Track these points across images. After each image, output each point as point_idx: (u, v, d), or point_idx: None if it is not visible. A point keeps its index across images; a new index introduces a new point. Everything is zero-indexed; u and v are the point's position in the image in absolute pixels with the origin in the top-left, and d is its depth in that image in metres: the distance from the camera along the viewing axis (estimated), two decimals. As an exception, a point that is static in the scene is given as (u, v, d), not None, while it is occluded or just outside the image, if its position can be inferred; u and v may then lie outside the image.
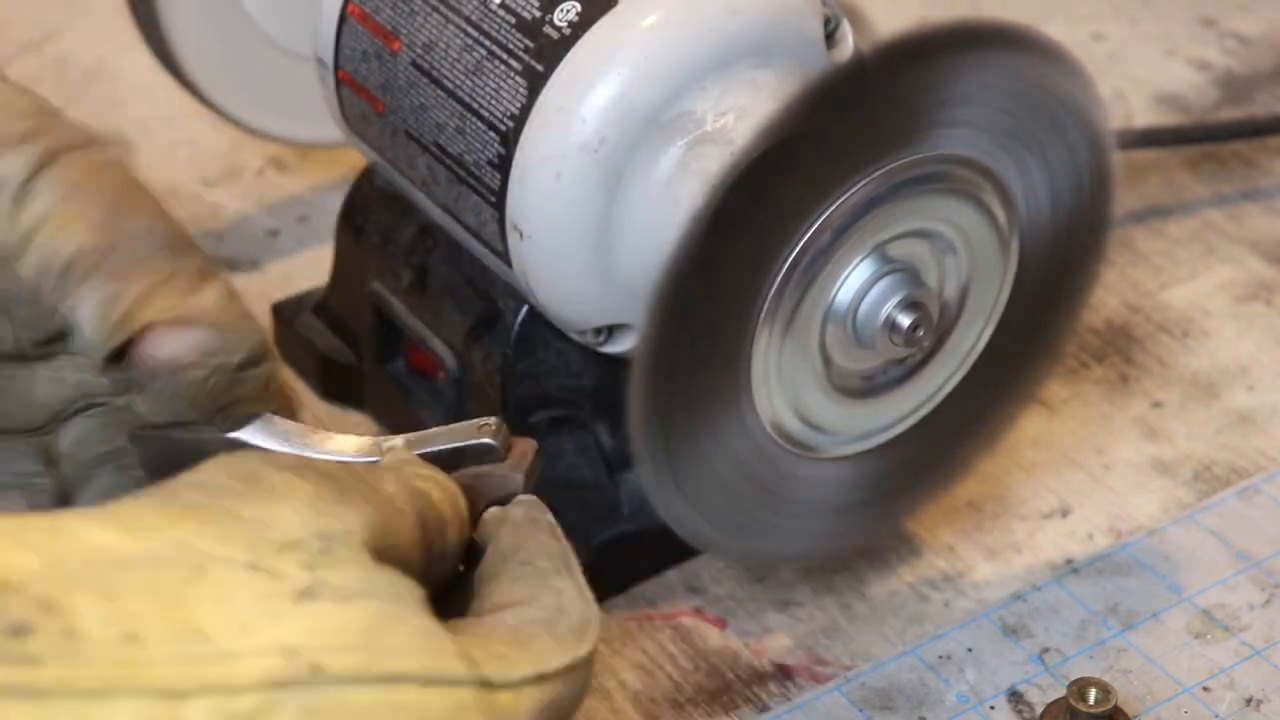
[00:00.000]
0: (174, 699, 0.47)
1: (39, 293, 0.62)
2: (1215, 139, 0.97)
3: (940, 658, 0.74)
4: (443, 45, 0.72)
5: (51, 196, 0.61)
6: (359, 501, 0.54)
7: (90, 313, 0.61)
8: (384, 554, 0.53)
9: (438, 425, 0.64)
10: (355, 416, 0.84)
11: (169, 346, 0.62)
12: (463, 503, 0.58)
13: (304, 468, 0.54)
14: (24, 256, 0.61)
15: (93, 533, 0.50)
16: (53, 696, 0.46)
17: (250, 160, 1.00)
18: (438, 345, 0.78)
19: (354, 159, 0.83)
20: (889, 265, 0.67)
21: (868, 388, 0.71)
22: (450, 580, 0.58)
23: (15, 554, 0.48)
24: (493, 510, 0.59)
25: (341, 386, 0.84)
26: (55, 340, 0.63)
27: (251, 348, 0.63)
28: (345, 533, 0.52)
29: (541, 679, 0.52)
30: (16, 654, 0.46)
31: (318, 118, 0.82)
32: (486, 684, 0.51)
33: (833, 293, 0.67)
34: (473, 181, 0.72)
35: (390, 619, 0.50)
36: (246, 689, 0.48)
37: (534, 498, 0.60)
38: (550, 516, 0.59)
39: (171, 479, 0.54)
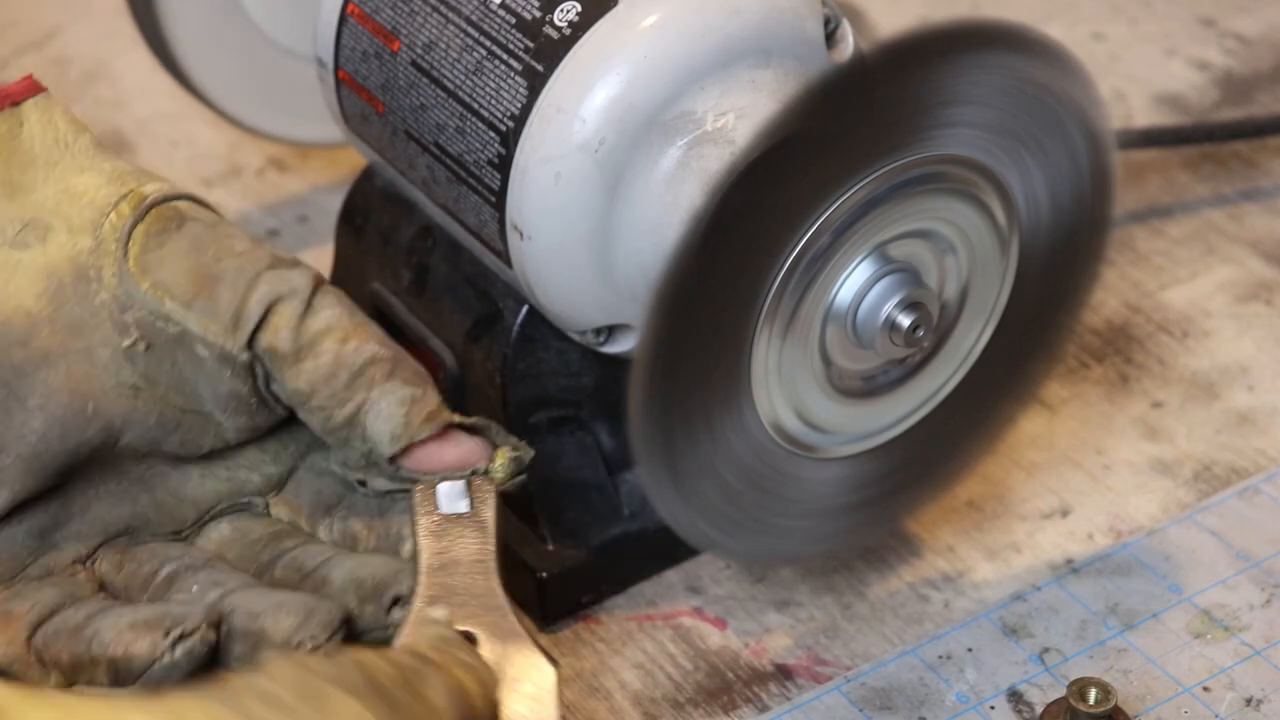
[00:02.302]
0: None
1: (316, 393, 0.68)
2: (1215, 139, 0.97)
3: (940, 658, 0.74)
4: (443, 45, 0.72)
5: (336, 311, 0.69)
6: None
7: (391, 410, 0.68)
8: None
9: None
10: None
11: (448, 456, 0.69)
12: (495, 692, 0.61)
13: (365, 688, 0.57)
14: (311, 359, 0.68)
15: None
16: None
17: (250, 160, 1.00)
18: (438, 345, 0.77)
19: (354, 159, 0.83)
20: (889, 265, 0.67)
21: (868, 388, 0.71)
22: None
23: None
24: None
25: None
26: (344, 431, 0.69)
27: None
28: None
29: None
30: None
31: (318, 118, 0.82)
32: None
33: (833, 293, 0.67)
34: (473, 181, 0.72)
35: None
36: None
37: None
38: None
39: (240, 677, 0.57)
